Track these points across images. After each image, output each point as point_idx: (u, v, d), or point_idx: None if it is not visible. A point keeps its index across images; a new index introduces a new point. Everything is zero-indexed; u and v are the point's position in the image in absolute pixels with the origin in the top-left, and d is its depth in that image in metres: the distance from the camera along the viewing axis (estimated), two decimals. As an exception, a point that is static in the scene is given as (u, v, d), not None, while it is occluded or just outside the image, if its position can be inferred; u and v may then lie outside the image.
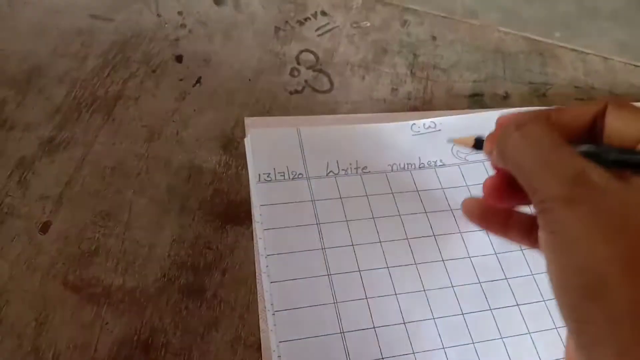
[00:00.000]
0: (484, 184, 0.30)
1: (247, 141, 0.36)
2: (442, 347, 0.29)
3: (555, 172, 0.23)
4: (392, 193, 0.34)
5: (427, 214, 0.34)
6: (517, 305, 0.30)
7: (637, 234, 0.21)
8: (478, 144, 0.30)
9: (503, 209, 0.26)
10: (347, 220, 0.33)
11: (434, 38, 0.45)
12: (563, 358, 0.23)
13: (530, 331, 0.30)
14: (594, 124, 0.27)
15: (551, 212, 0.23)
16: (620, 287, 0.20)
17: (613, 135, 0.26)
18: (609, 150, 0.25)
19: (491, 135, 0.28)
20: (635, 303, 0.20)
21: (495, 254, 0.32)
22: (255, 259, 0.31)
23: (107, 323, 0.29)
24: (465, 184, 0.35)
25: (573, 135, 0.27)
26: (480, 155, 0.37)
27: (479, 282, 0.31)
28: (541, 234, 0.24)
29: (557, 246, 0.22)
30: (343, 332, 0.29)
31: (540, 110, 0.28)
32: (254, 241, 0.32)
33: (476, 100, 0.41)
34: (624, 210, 0.21)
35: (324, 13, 0.45)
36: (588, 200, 0.21)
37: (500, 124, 0.29)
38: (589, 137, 0.27)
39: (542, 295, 0.31)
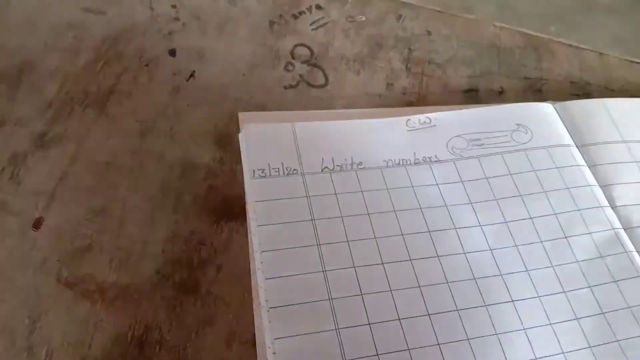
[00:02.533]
0: None
1: (241, 136, 0.36)
2: (437, 343, 0.29)
3: None
4: (387, 189, 0.34)
5: (422, 209, 0.34)
6: (512, 301, 0.30)
7: None
8: None
9: None
10: (342, 216, 0.33)
11: (429, 33, 0.45)
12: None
13: (524, 327, 0.30)
14: None
15: None
16: None
17: None
18: None
19: None
20: None
21: (490, 250, 0.32)
22: (250, 255, 0.31)
23: (101, 320, 0.29)
24: (460, 180, 0.35)
25: None
26: (476, 151, 0.37)
27: (474, 279, 0.31)
28: None
29: None
30: (338, 329, 0.29)
31: None
32: (249, 237, 0.32)
33: (471, 96, 0.41)
34: None
35: (318, 7, 0.45)
36: None
37: None
38: None
39: (536, 291, 0.31)
